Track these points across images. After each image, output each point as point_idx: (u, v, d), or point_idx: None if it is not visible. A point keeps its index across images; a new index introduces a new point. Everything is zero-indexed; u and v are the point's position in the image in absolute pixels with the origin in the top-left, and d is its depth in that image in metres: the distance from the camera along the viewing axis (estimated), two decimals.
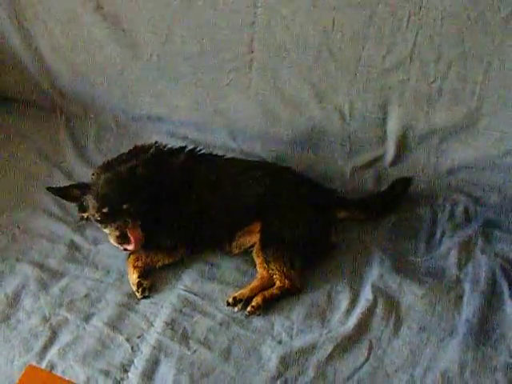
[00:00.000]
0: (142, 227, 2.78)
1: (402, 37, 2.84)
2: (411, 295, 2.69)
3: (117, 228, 2.74)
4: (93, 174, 2.91)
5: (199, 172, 2.93)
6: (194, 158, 2.99)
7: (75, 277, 2.84)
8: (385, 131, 3.10)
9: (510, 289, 2.70)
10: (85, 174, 3.22)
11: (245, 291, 2.74)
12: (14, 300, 2.73)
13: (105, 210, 2.73)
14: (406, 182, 3.07)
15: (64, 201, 2.99)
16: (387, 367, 2.48)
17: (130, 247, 2.77)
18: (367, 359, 2.50)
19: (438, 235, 2.96)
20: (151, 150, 2.93)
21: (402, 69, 2.91)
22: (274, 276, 2.75)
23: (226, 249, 2.92)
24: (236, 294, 2.72)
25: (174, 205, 2.86)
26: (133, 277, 2.81)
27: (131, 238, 2.75)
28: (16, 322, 2.67)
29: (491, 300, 2.67)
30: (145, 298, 2.76)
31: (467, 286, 2.72)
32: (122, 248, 2.79)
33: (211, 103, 3.28)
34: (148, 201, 2.78)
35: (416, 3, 2.75)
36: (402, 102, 2.98)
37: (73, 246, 2.97)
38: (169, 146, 3.01)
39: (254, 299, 2.69)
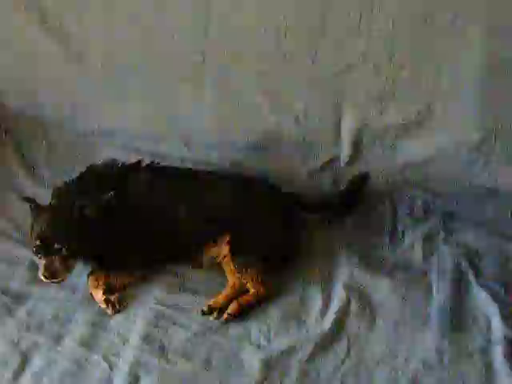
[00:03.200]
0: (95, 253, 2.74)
1: (354, 39, 2.92)
2: (382, 290, 2.73)
3: (45, 263, 2.64)
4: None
5: (161, 188, 2.87)
6: (153, 173, 2.91)
7: (40, 298, 2.72)
8: (339, 132, 3.16)
9: (475, 276, 2.77)
10: (39, 193, 3.07)
11: (219, 299, 2.70)
12: None
13: (37, 243, 2.65)
14: (364, 177, 3.12)
15: (22, 222, 2.92)
16: (368, 361, 2.49)
17: (56, 281, 2.68)
18: (348, 355, 2.51)
19: (401, 230, 3.03)
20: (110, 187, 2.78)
21: (355, 70, 2.99)
22: (248, 284, 2.74)
23: (195, 264, 2.88)
24: (211, 303, 2.69)
25: (131, 226, 2.78)
26: (98, 296, 2.72)
27: (59, 273, 2.65)
28: None
29: (459, 287, 2.74)
30: (117, 312, 2.66)
31: (434, 276, 2.79)
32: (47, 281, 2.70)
33: (163, 114, 3.26)
34: (94, 240, 2.68)
35: (367, 5, 2.83)
36: (356, 102, 3.06)
37: (34, 267, 2.82)
38: (125, 162, 2.91)
39: (230, 306, 2.67)
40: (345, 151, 3.18)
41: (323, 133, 3.17)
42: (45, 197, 2.97)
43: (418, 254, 2.90)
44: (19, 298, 2.74)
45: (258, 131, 3.23)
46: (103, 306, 2.69)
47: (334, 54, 2.97)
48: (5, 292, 2.76)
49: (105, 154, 3.22)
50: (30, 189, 3.24)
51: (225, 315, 2.66)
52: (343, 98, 3.06)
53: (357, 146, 3.15)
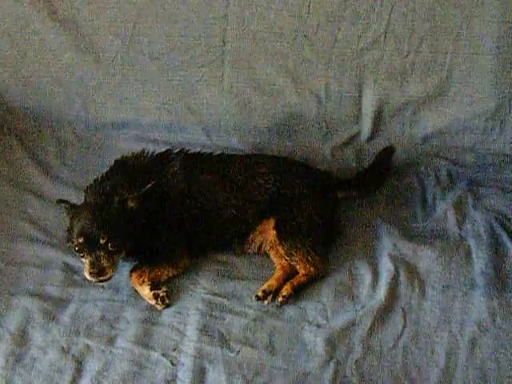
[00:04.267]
0: (138, 247, 2.68)
1: (376, 16, 2.96)
2: (426, 258, 2.81)
3: (90, 261, 2.57)
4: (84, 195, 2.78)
5: (199, 175, 2.82)
6: (187, 160, 2.87)
7: (82, 301, 2.64)
8: (360, 109, 3.20)
9: (509, 238, 2.89)
10: (57, 192, 3.03)
11: (271, 283, 2.71)
12: (22, 337, 2.49)
13: (80, 240, 2.57)
14: (389, 152, 3.19)
15: (45, 223, 2.86)
16: (425, 329, 2.57)
17: (104, 279, 2.61)
18: (405, 325, 2.58)
19: (431, 200, 3.11)
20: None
21: (377, 47, 3.03)
22: (298, 266, 2.76)
23: (239, 251, 2.87)
24: (264, 287, 2.68)
25: (173, 216, 2.76)
26: (145, 292, 2.67)
27: (106, 270, 2.58)
28: (32, 361, 2.43)
29: (497, 250, 2.84)
30: (167, 306, 2.62)
31: (472, 242, 2.88)
32: (94, 280, 2.62)
33: (182, 102, 3.21)
34: (138, 232, 2.65)
35: None
36: (377, 78, 3.10)
37: (69, 269, 2.76)
38: (154, 152, 2.87)
39: (284, 289, 2.68)
40: (366, 127, 3.23)
41: (344, 110, 3.20)
42: (65, 195, 2.94)
43: (451, 221, 2.98)
44: (60, 303, 2.64)
45: (279, 113, 3.23)
46: (152, 301, 2.64)
47: (356, 32, 3.00)
48: (43, 297, 2.66)
49: (120, 147, 3.17)
50: (48, 188, 3.12)
51: (279, 298, 2.66)
52: (365, 75, 3.10)
53: (378, 121, 3.20)
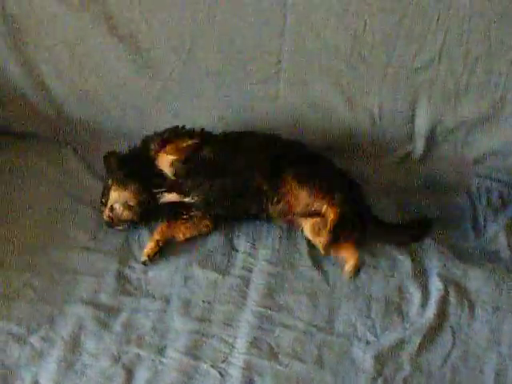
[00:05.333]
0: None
1: (431, 36, 2.95)
2: (476, 279, 2.80)
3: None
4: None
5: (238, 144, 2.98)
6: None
7: (134, 310, 2.68)
8: (413, 128, 3.20)
9: None
10: None
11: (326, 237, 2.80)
12: (74, 344, 2.54)
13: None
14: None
15: (100, 233, 2.93)
16: (474, 349, 2.57)
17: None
18: (454, 345, 2.58)
19: (482, 221, 3.10)
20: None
21: (431, 67, 3.02)
22: (324, 209, 2.83)
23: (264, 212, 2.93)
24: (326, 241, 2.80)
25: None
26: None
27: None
28: (83, 367, 2.48)
29: None
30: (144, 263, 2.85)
31: None
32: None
33: (236, 118, 3.24)
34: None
35: (445, 3, 2.87)
36: (431, 98, 3.09)
37: (121, 278, 2.80)
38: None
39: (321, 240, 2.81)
40: (419, 146, 3.23)
41: (397, 130, 3.20)
42: None
43: (503, 243, 2.97)
44: (112, 311, 2.68)
45: (333, 131, 3.24)
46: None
47: (411, 52, 2.99)
48: (96, 305, 2.70)
49: None
50: None
51: (322, 250, 2.81)
52: (418, 95, 3.09)
53: (430, 141, 3.20)
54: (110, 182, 3.00)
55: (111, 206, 2.97)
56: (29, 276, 2.80)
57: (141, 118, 3.32)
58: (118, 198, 2.95)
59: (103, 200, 3.00)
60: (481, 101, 3.09)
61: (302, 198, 2.90)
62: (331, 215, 2.84)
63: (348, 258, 2.85)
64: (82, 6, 3.05)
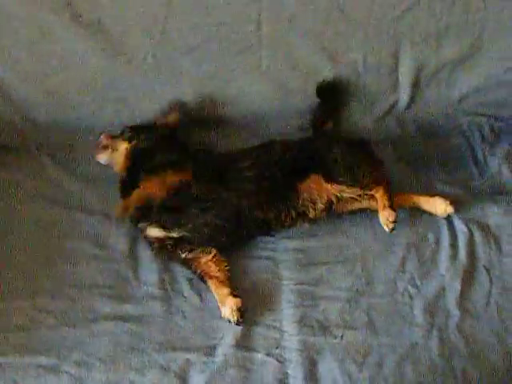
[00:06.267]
0: None
1: None
2: (494, 215, 2.86)
3: None
4: None
5: None
6: None
7: (168, 313, 2.52)
8: (397, 77, 3.16)
9: None
10: (105, 205, 2.87)
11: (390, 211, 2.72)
12: (115, 362, 2.36)
13: None
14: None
15: (102, 237, 2.75)
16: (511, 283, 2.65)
17: None
18: (491, 283, 2.63)
19: (481, 157, 3.15)
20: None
21: (412, 13, 2.98)
22: (371, 190, 2.77)
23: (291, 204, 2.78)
24: (393, 217, 2.70)
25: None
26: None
27: None
28: None
29: None
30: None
31: None
32: None
33: (220, 92, 3.08)
34: None
35: None
36: (413, 45, 3.06)
37: (141, 283, 2.62)
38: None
39: (385, 216, 2.71)
40: (404, 94, 3.19)
41: (382, 81, 3.15)
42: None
43: (506, 173, 3.04)
44: (144, 320, 2.51)
45: None
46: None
47: (389, 2, 2.93)
48: (124, 317, 2.51)
49: None
50: (94, 202, 2.91)
51: (390, 225, 2.71)
52: (401, 43, 3.05)
53: (415, 87, 3.16)
54: None
55: None
56: (42, 300, 2.58)
57: (118, 109, 3.10)
58: None
59: None
60: (461, 40, 3.08)
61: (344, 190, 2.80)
62: (382, 194, 2.76)
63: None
64: None
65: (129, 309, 2.57)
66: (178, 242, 2.73)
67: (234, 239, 2.77)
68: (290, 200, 2.77)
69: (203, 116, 3.11)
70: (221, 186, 2.76)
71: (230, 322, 2.51)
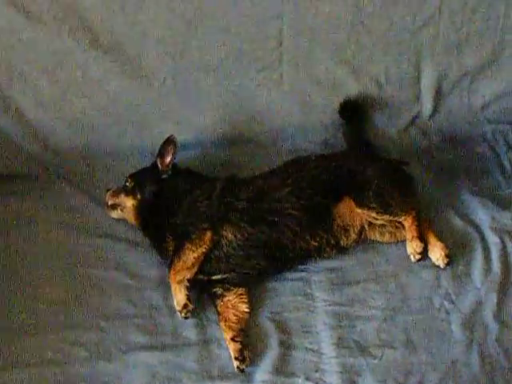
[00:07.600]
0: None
1: None
2: None
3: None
4: None
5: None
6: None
7: (203, 342, 2.47)
8: (419, 88, 3.15)
9: None
10: (133, 232, 2.82)
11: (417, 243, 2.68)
12: None
13: None
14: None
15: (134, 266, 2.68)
16: None
17: None
18: None
19: (508, 165, 3.12)
20: None
21: (432, 23, 2.97)
22: (399, 217, 2.73)
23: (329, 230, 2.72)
24: (420, 249, 2.68)
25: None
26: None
27: None
28: None
29: None
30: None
31: None
32: None
33: (242, 111, 3.04)
34: None
35: None
36: (434, 55, 3.06)
37: (173, 312, 2.54)
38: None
39: (412, 247, 2.69)
40: (427, 104, 3.18)
41: (404, 92, 3.13)
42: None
43: None
44: (178, 348, 2.45)
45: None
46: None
47: (411, 12, 2.92)
48: (158, 347, 2.46)
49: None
50: (122, 229, 2.85)
51: (416, 256, 2.69)
52: (422, 54, 3.04)
53: (437, 96, 3.15)
54: None
55: None
56: (73, 332, 2.52)
57: (140, 132, 3.06)
58: None
59: None
60: (481, 48, 3.08)
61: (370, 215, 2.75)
62: (411, 224, 2.73)
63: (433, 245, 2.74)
64: (57, 21, 2.74)
65: (163, 338, 2.52)
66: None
67: (273, 273, 2.71)
68: (327, 225, 2.72)
69: (225, 136, 3.08)
70: (257, 224, 2.66)
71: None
